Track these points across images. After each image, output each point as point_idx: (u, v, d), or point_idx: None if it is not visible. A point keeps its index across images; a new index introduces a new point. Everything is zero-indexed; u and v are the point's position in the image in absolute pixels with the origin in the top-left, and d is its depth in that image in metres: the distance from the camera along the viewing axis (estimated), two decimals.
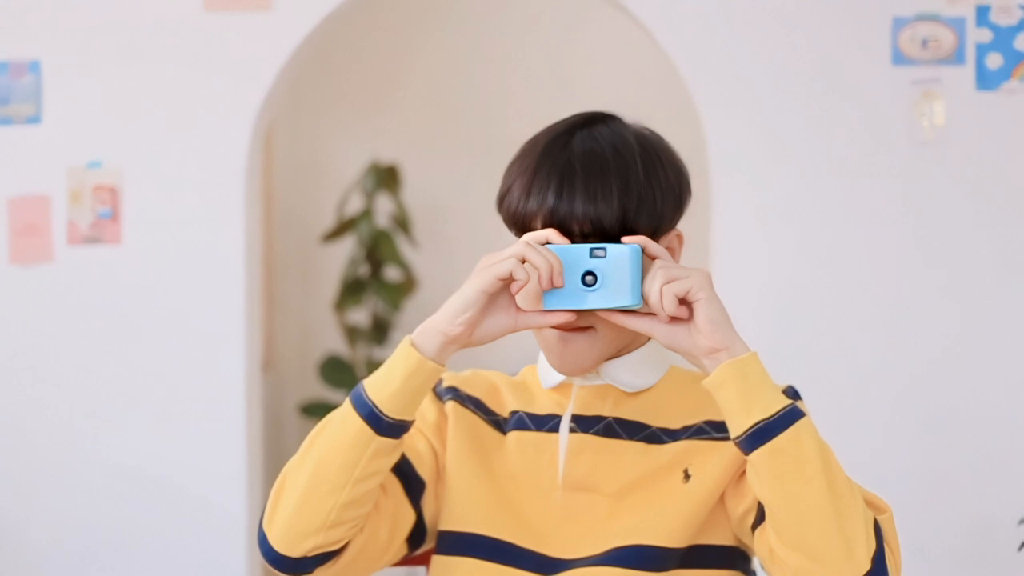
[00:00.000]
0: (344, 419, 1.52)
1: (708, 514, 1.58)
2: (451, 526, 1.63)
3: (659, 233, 1.57)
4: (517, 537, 1.60)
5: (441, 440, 1.67)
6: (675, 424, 1.62)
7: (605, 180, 1.52)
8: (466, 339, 1.52)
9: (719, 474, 1.57)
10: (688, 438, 1.60)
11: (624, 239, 1.51)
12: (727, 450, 1.56)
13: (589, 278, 1.49)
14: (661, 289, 1.47)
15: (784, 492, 1.45)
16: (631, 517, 1.58)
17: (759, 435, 1.45)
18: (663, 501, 1.57)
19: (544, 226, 1.53)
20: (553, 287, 1.49)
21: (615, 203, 1.52)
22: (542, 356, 1.65)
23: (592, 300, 1.50)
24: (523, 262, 1.48)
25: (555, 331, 1.56)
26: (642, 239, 1.51)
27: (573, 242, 1.52)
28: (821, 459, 1.46)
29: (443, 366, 1.53)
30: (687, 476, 1.58)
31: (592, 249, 1.50)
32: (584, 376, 1.63)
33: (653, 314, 1.50)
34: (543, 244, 1.50)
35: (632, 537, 1.56)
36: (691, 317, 1.49)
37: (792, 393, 1.63)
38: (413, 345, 1.51)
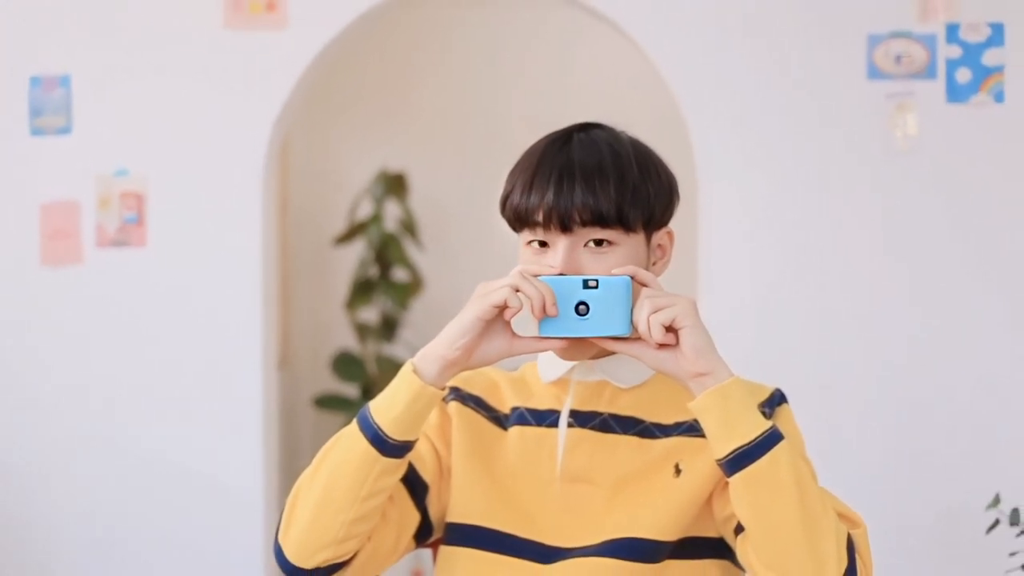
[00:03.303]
0: (351, 440, 1.53)
1: (698, 508, 1.58)
2: (456, 518, 1.64)
3: (651, 226, 1.59)
4: (517, 528, 1.60)
5: (445, 441, 1.68)
6: (668, 420, 1.62)
7: (602, 173, 1.54)
8: (464, 363, 1.53)
9: (708, 471, 1.58)
10: (680, 434, 1.60)
11: (615, 270, 1.53)
12: None
13: (582, 308, 1.51)
14: (648, 318, 1.49)
15: (760, 514, 1.47)
16: (625, 510, 1.58)
17: (738, 460, 1.47)
18: (655, 495, 1.58)
19: (545, 219, 1.54)
20: (546, 316, 1.50)
21: (612, 193, 1.53)
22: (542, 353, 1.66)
23: (584, 328, 1.51)
24: (517, 291, 1.50)
25: None
26: (632, 268, 1.53)
27: (573, 231, 1.54)
28: (796, 483, 1.47)
29: (444, 389, 1.55)
30: (678, 471, 1.58)
31: (585, 280, 1.51)
32: (581, 372, 1.64)
33: (643, 340, 1.51)
34: (535, 276, 1.52)
35: (626, 530, 1.57)
36: (677, 343, 1.50)
37: (778, 397, 1.64)
38: (415, 371, 1.53)
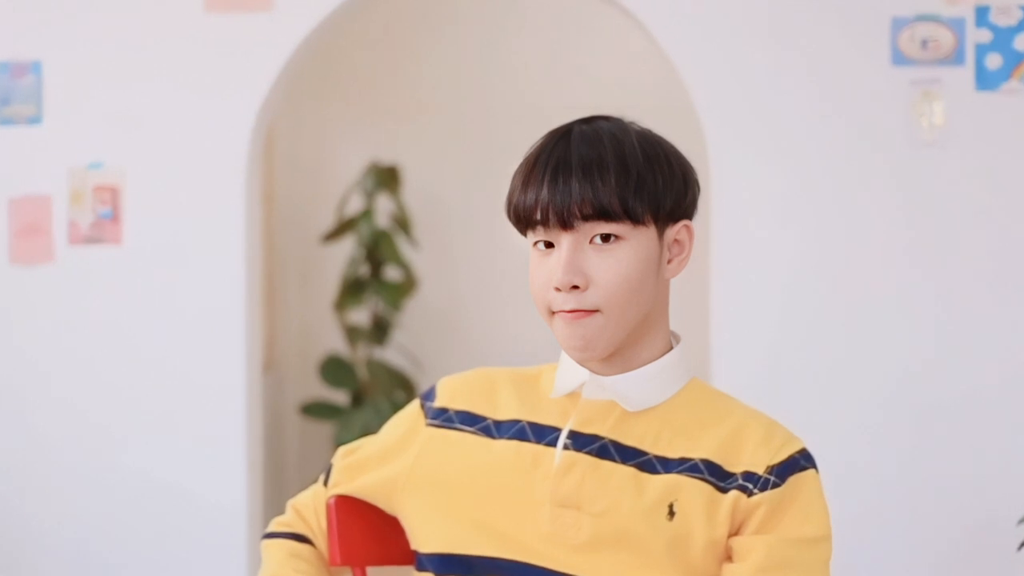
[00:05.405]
0: None
1: (691, 554, 1.54)
2: (427, 548, 1.63)
3: (663, 219, 1.57)
4: (499, 550, 1.58)
5: (404, 453, 1.69)
6: (673, 453, 1.58)
7: (602, 163, 1.53)
8: None
9: (703, 520, 1.55)
10: (681, 472, 1.56)
11: None
12: (716, 500, 1.54)
13: None
14: None
15: None
16: (615, 558, 1.54)
17: None
18: (647, 548, 1.54)
19: (544, 216, 1.53)
20: None
21: (612, 181, 1.52)
22: (563, 358, 1.64)
23: None
24: None
25: (564, 316, 1.55)
26: None
27: (575, 227, 1.52)
28: None
29: None
30: (672, 513, 1.55)
31: None
32: (592, 389, 1.61)
33: None
34: None
35: None
36: None
37: (796, 464, 1.57)
38: None
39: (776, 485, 1.54)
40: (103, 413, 3.51)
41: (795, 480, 1.56)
